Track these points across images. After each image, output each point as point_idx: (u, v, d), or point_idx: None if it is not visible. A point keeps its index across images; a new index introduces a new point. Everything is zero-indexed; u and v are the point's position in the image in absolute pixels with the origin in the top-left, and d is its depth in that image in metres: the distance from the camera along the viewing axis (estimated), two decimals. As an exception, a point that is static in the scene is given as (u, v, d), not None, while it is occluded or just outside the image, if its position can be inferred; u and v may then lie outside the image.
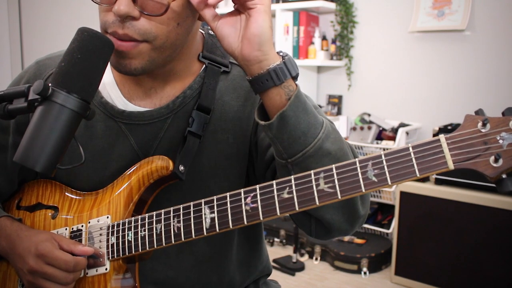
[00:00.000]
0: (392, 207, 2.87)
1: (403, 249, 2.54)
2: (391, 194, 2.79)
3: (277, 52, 0.74)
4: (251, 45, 0.71)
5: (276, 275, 2.68)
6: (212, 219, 0.74)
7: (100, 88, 0.87)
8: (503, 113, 0.58)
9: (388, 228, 2.85)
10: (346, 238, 2.89)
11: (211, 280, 0.95)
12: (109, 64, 0.88)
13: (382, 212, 3.03)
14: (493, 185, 2.01)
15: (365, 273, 2.67)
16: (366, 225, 2.95)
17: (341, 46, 3.18)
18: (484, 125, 0.59)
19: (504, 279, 2.22)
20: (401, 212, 2.54)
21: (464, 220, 2.33)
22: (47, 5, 4.19)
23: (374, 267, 2.72)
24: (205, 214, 0.75)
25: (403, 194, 2.53)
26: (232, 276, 0.98)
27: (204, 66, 0.90)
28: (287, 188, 0.70)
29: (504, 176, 0.57)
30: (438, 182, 2.45)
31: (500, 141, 0.57)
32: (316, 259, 2.87)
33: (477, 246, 2.29)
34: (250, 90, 0.85)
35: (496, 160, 0.57)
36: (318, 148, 0.72)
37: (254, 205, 0.71)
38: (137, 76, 0.85)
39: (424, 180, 2.52)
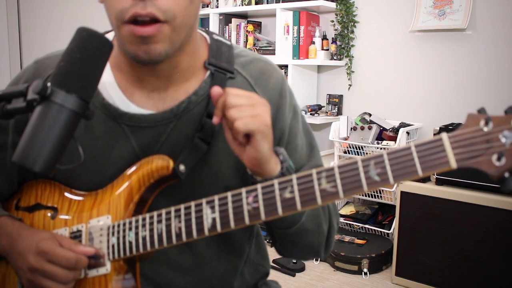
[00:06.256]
0: (392, 207, 2.86)
1: (403, 249, 2.53)
2: (391, 194, 2.78)
3: (275, 151, 0.80)
4: (251, 164, 0.77)
5: (276, 276, 2.67)
6: (214, 219, 0.72)
7: (101, 89, 0.86)
8: (505, 112, 0.58)
9: (389, 229, 2.84)
10: (347, 239, 2.89)
11: (212, 283, 0.94)
12: (108, 64, 0.86)
13: (382, 213, 3.02)
14: (494, 185, 1.98)
15: (365, 273, 2.67)
16: (366, 226, 2.95)
17: (342, 45, 3.18)
18: (486, 123, 0.58)
19: (504, 279, 2.21)
20: (401, 212, 2.53)
21: (465, 220, 2.32)
22: (46, 4, 4.18)
23: (375, 268, 2.71)
24: (206, 214, 0.73)
25: (403, 194, 2.52)
26: (233, 281, 0.97)
27: (209, 72, 0.88)
28: (289, 187, 0.68)
29: (507, 175, 0.57)
30: (439, 182, 2.44)
31: (503, 140, 0.57)
32: (317, 259, 2.86)
33: (477, 246, 2.28)
34: None
35: (498, 159, 0.56)
36: (299, 229, 0.87)
37: (255, 204, 0.70)
38: (143, 74, 0.85)
39: (425, 180, 2.51)
